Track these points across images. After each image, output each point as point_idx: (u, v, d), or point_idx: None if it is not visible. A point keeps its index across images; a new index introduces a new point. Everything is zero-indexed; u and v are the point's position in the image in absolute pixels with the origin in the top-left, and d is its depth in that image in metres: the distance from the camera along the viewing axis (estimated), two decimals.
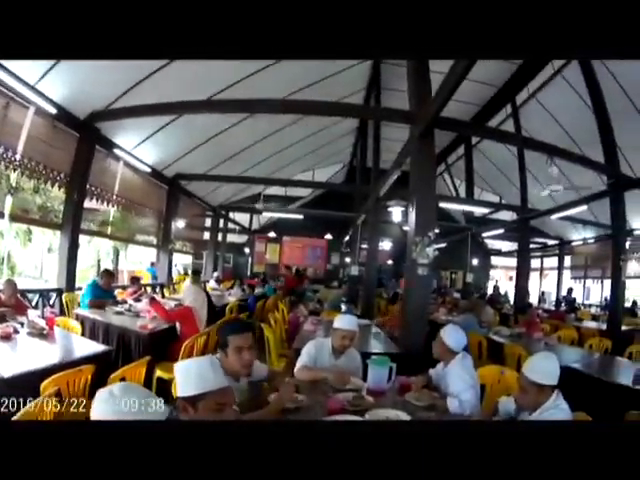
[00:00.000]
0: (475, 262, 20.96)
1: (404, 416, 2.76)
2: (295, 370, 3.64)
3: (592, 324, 10.60)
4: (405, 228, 13.76)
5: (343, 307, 9.10)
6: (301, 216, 16.49)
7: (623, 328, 8.91)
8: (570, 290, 16.73)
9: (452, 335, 3.49)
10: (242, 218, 19.86)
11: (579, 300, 17.20)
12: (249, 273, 20.80)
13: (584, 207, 10.90)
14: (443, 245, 17.32)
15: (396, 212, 11.94)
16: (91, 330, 5.64)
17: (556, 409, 2.52)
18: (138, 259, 19.39)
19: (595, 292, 17.67)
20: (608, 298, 11.06)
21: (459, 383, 3.23)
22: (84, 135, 7.25)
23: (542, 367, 2.63)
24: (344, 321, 3.76)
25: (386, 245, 19.30)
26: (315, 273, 21.88)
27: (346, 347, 3.73)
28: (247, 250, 21.71)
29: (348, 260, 18.58)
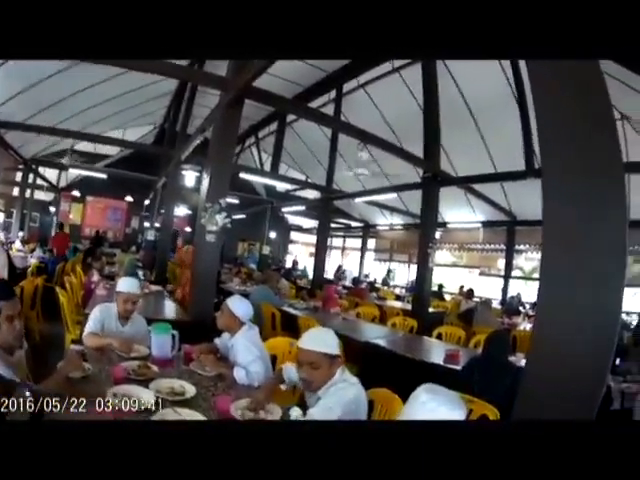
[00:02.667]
0: (274, 235, 21.60)
1: (189, 387, 2.69)
2: (83, 336, 3.46)
3: (397, 304, 11.25)
4: None
5: (140, 273, 8.94)
6: (105, 175, 15.21)
7: (431, 310, 9.56)
8: (389, 271, 17.79)
9: (238, 305, 3.41)
10: (52, 174, 18.11)
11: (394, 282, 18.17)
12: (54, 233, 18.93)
13: (394, 195, 11.36)
14: (242, 216, 17.59)
15: (189, 176, 11.90)
16: None
17: (345, 383, 2.46)
18: None
19: (401, 275, 18.88)
20: (413, 281, 11.96)
21: (246, 354, 3.17)
22: None
23: (324, 339, 2.53)
24: (125, 284, 3.71)
25: (185, 211, 18.71)
26: (115, 236, 20.99)
27: (129, 312, 3.68)
28: (53, 209, 19.65)
29: (147, 224, 17.91)
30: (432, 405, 1.67)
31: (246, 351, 3.18)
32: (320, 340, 2.50)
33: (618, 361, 5.50)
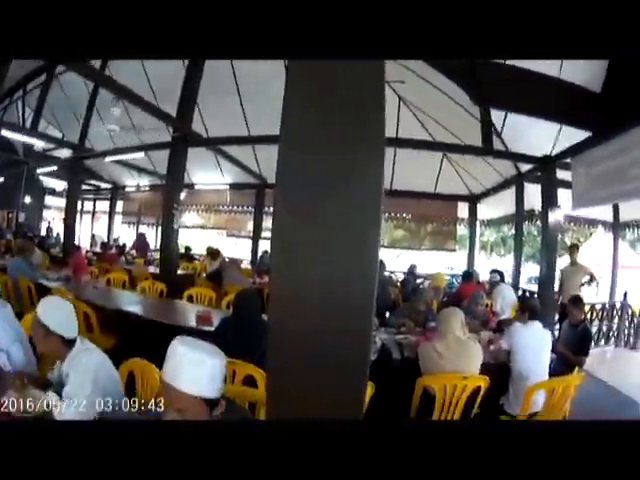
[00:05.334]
0: (29, 201, 19.35)
1: None
2: None
3: (147, 268, 10.95)
4: None
5: None
6: None
7: (180, 272, 9.56)
8: None
9: None
10: None
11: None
12: None
13: (141, 154, 10.97)
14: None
15: None
16: None
17: (87, 351, 2.43)
18: None
19: (151, 238, 18.16)
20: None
21: (3, 337, 2.84)
22: None
23: (51, 311, 2.46)
24: None
25: None
26: None
27: None
28: None
29: None
30: (194, 355, 1.73)
31: (2, 332, 2.86)
32: (48, 314, 2.43)
33: (388, 314, 6.19)
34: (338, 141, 1.90)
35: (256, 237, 14.09)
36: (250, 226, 14.97)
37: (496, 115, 7.67)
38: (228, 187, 14.22)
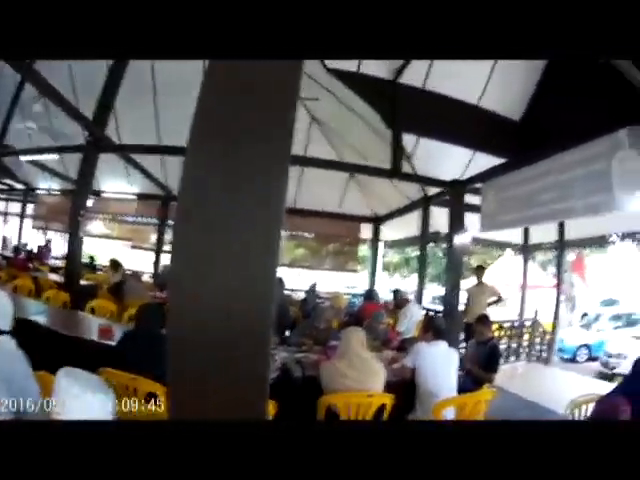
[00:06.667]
0: None
1: None
2: None
3: (53, 276, 10.47)
4: None
5: None
6: None
7: (83, 283, 9.18)
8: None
9: None
10: None
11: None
12: None
13: (55, 156, 10.50)
14: None
15: None
16: None
17: None
18: None
19: (57, 245, 17.14)
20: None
21: None
22: None
23: None
24: None
25: None
26: None
27: None
28: None
29: None
30: (75, 390, 1.65)
31: None
32: None
33: (288, 333, 6.15)
34: (242, 156, 1.83)
35: (159, 249, 13.77)
36: (154, 238, 14.60)
37: (407, 138, 7.85)
38: (135, 197, 13.78)
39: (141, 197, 13.66)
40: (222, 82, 1.95)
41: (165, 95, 9.38)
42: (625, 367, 9.33)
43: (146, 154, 10.29)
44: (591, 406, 3.31)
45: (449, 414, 3.86)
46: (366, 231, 13.76)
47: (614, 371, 11.58)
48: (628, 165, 4.89)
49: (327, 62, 6.75)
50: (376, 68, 6.95)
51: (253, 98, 1.88)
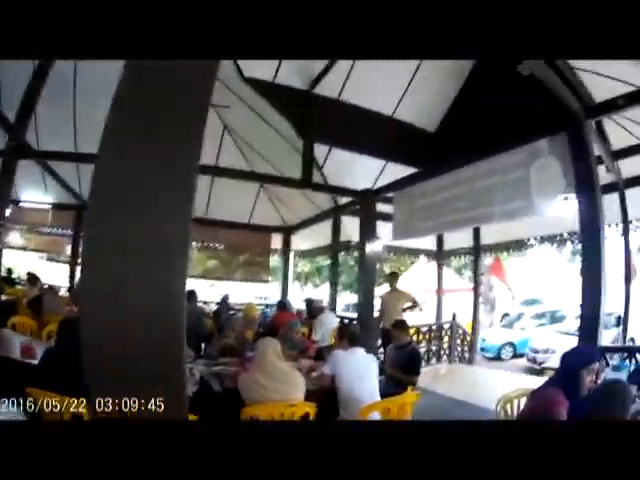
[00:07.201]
0: None
1: None
2: None
3: None
4: None
5: None
6: None
7: (3, 297, 8.83)
8: None
9: None
10: None
11: None
12: None
13: None
14: None
15: None
16: None
17: None
18: None
19: None
20: None
21: None
22: None
23: None
24: None
25: None
26: None
27: None
28: None
29: None
30: None
31: None
32: None
33: (204, 346, 6.13)
34: (149, 167, 1.93)
35: (73, 262, 13.04)
36: (69, 250, 13.89)
37: (319, 149, 8.06)
38: (50, 207, 12.96)
39: (55, 207, 12.88)
40: (136, 94, 1.97)
41: (85, 97, 8.93)
42: (554, 361, 9.44)
43: (65, 161, 9.87)
44: (523, 400, 3.35)
45: (375, 418, 3.91)
46: (277, 241, 13.87)
47: (543, 366, 12.01)
48: (547, 172, 5.29)
49: (244, 70, 6.79)
50: (291, 78, 7.09)
51: (164, 100, 1.94)
